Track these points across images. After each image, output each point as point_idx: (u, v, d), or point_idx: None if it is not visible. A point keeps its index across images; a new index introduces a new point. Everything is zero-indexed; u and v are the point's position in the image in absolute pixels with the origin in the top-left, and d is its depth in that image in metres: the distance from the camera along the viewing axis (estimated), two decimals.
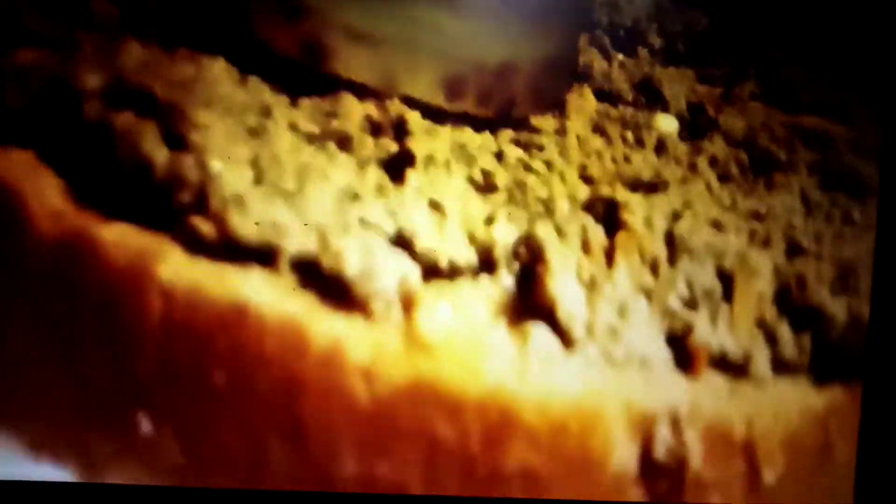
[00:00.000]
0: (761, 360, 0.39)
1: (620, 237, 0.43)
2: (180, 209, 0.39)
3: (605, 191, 0.45)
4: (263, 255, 0.38)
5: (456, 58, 0.50)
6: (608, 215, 0.44)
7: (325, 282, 0.37)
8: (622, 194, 0.45)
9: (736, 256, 0.43)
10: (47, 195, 0.39)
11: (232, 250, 0.38)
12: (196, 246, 0.38)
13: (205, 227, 0.38)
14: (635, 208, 0.44)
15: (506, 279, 0.40)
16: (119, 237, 0.38)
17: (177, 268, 0.37)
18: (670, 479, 0.36)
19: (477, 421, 0.35)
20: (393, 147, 0.44)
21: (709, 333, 0.39)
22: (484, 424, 0.35)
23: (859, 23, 0.62)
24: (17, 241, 0.38)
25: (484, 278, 0.40)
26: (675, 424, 0.36)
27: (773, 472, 0.37)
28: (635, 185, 0.47)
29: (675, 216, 0.44)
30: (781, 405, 0.38)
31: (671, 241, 0.43)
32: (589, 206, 0.44)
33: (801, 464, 0.38)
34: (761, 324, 0.41)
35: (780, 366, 0.40)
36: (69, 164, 0.41)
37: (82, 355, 0.38)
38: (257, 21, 0.47)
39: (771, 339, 0.40)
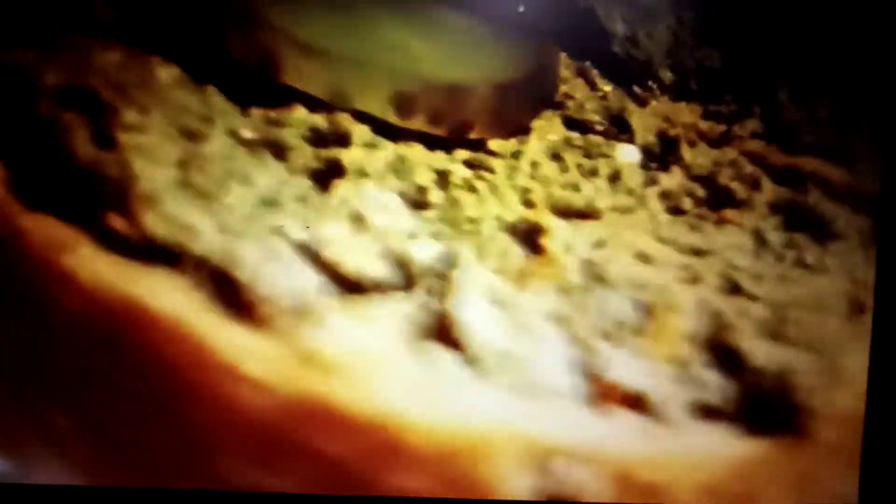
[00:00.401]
0: (676, 402, 0.38)
1: (537, 262, 0.42)
2: (99, 205, 0.39)
3: (532, 215, 0.44)
4: (170, 256, 0.38)
5: (410, 77, 0.49)
6: (531, 240, 0.43)
7: (226, 287, 0.37)
8: (549, 220, 0.43)
9: (657, 290, 0.41)
10: None
11: (141, 249, 0.38)
12: (108, 241, 0.38)
13: (118, 223, 0.38)
14: (558, 234, 0.43)
15: (420, 298, 0.39)
16: (36, 227, 0.38)
17: (84, 261, 0.37)
18: None
19: (362, 441, 0.34)
20: (327, 157, 0.44)
21: (621, 369, 0.38)
22: (369, 445, 0.34)
23: (867, 64, 0.61)
24: None
25: (397, 295, 0.40)
26: (576, 460, 0.35)
27: None
28: (568, 213, 0.45)
29: (599, 245, 0.43)
30: (698, 451, 0.36)
31: (590, 270, 0.42)
32: (513, 230, 0.43)
33: None
34: (681, 363, 0.39)
35: (702, 410, 0.38)
36: (16, 157, 0.41)
37: None
38: (225, 33, 0.47)
39: (692, 381, 0.39)
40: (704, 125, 0.62)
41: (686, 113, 0.63)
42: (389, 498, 0.35)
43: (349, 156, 0.44)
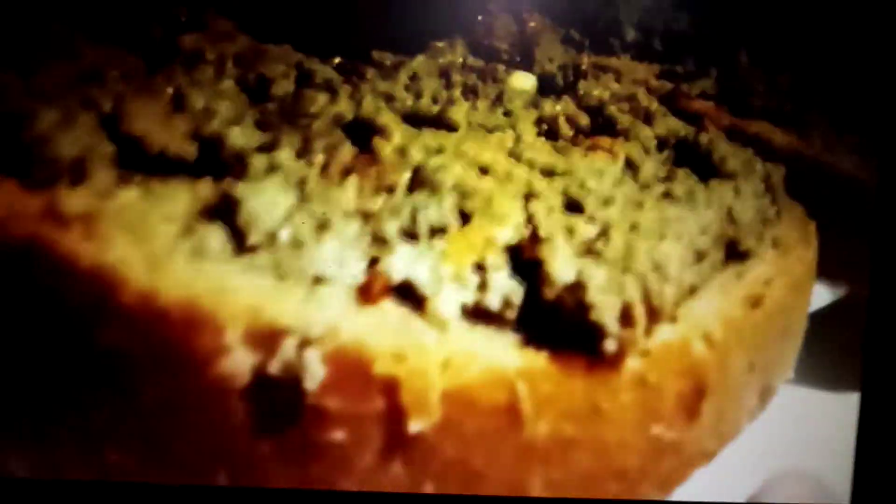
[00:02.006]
0: (449, 301, 0.34)
1: (362, 159, 0.38)
2: None
3: (375, 117, 0.40)
4: None
5: None
6: (366, 139, 0.40)
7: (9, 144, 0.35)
8: (392, 123, 0.40)
9: (482, 200, 0.37)
10: None
11: None
12: None
13: None
14: (395, 138, 0.39)
15: (218, 181, 0.37)
16: None
17: None
18: (284, 400, 0.32)
19: (77, 292, 0.31)
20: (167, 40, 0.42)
21: (405, 265, 0.34)
22: (85, 295, 0.31)
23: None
24: None
25: (200, 176, 0.37)
26: (304, 344, 0.32)
27: (422, 420, 0.32)
28: (416, 120, 0.42)
29: (437, 152, 0.39)
30: (458, 352, 0.33)
31: (418, 173, 0.38)
32: (350, 128, 0.40)
33: (465, 419, 0.33)
34: (478, 268, 0.35)
35: (479, 314, 0.34)
36: None
37: None
38: None
39: (480, 286, 0.35)
40: (655, 82, 0.59)
41: (641, 70, 0.60)
42: (391, 494, 0.33)
43: (193, 39, 0.42)
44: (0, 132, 0.35)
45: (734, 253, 0.42)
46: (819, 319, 0.48)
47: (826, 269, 0.48)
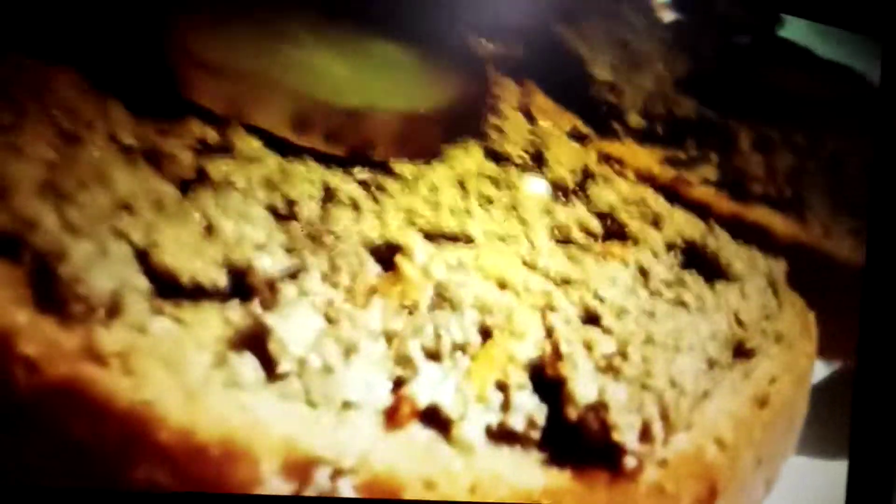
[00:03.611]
0: (474, 424, 0.34)
1: (386, 279, 0.39)
2: None
3: (398, 235, 0.40)
4: (10, 245, 0.36)
5: (310, 96, 0.47)
6: (389, 259, 0.40)
7: (49, 283, 0.35)
8: (413, 241, 0.40)
9: (502, 315, 0.37)
10: None
11: None
12: None
13: None
14: (417, 255, 0.39)
15: (247, 307, 0.37)
16: None
17: None
18: None
19: (112, 431, 0.31)
20: (200, 167, 0.42)
21: (430, 387, 0.34)
22: (123, 435, 0.31)
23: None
24: None
25: (232, 304, 0.37)
26: (337, 474, 0.31)
27: None
28: (437, 236, 0.42)
29: (458, 267, 0.39)
30: (484, 476, 0.32)
31: (440, 290, 0.38)
32: (375, 247, 0.40)
33: None
34: (501, 387, 0.35)
35: (503, 435, 0.34)
36: None
37: None
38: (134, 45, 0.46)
39: (503, 405, 0.35)
40: (657, 168, 0.59)
41: (642, 156, 0.60)
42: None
43: (222, 167, 0.42)
44: (36, 268, 0.36)
45: (741, 352, 0.42)
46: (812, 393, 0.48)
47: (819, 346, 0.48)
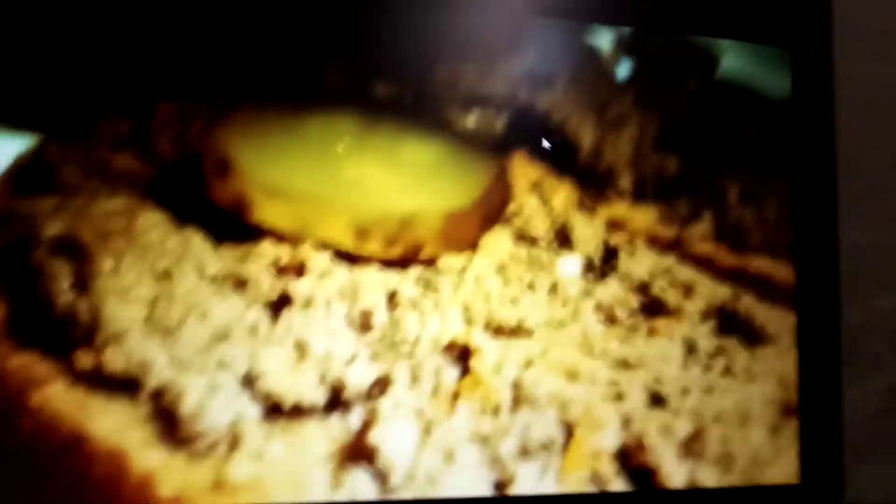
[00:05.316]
0: None
1: (465, 383, 0.41)
2: (72, 343, 0.40)
3: (465, 336, 0.43)
4: (129, 386, 0.39)
5: (366, 209, 0.50)
6: (463, 361, 0.43)
7: (170, 421, 0.38)
8: (480, 340, 0.43)
9: (581, 409, 0.40)
10: None
11: (106, 383, 0.39)
12: (78, 376, 0.39)
13: (85, 359, 0.39)
14: (487, 355, 0.42)
15: (348, 421, 0.39)
16: (21, 365, 0.39)
17: (54, 396, 0.38)
18: None
19: None
20: (281, 288, 0.45)
21: (529, 488, 0.37)
22: None
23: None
24: None
25: (333, 419, 0.40)
26: None
27: None
28: (500, 332, 0.45)
29: (528, 364, 0.42)
30: None
31: (517, 390, 0.41)
32: (447, 350, 0.43)
33: None
34: (593, 481, 0.38)
35: None
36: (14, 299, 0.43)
37: None
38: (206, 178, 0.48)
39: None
40: (657, 228, 0.62)
41: (641, 217, 0.63)
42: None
43: (301, 285, 0.45)
44: (155, 406, 0.38)
45: (789, 411, 0.45)
46: None
47: None
